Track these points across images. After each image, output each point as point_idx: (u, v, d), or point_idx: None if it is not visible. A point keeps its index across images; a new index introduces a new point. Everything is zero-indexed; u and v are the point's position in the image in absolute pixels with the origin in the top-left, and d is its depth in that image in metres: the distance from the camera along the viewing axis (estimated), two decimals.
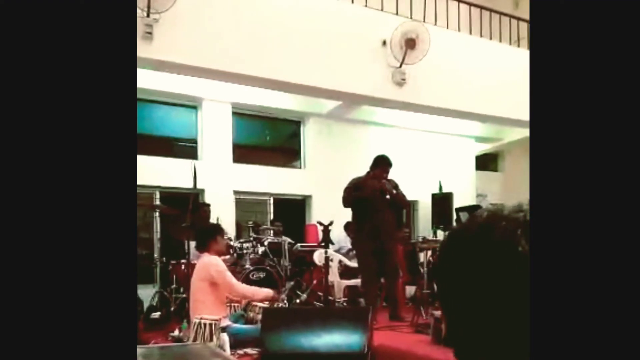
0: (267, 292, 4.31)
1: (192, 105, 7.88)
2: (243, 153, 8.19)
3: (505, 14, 7.70)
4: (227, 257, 5.60)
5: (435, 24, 6.76)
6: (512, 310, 0.58)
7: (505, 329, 0.58)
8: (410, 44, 6.09)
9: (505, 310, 0.58)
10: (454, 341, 0.64)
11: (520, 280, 0.57)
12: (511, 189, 9.88)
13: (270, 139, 8.84)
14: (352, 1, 6.39)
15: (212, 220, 6.26)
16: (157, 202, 7.33)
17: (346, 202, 5.32)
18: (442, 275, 0.66)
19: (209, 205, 6.73)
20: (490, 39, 7.36)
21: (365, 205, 5.19)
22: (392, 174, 5.42)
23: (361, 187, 5.23)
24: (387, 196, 5.18)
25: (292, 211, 8.53)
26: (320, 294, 5.62)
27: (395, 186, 5.31)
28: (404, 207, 5.41)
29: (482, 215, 0.64)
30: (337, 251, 6.73)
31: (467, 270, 0.62)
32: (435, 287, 5.44)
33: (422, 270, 5.58)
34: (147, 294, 5.92)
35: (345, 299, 6.17)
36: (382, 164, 5.26)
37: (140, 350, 2.77)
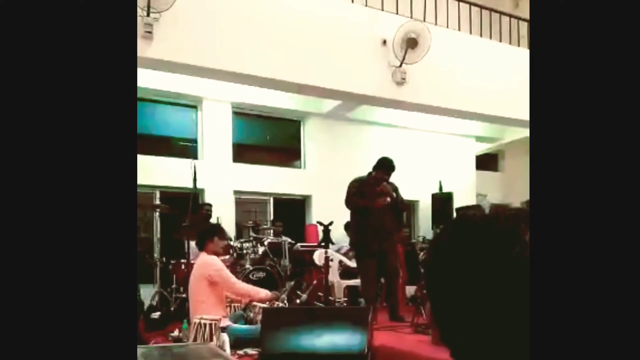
0: (267, 293, 4.30)
1: (192, 104, 7.88)
2: (243, 153, 8.19)
3: (506, 14, 7.69)
4: (227, 257, 5.60)
5: (436, 24, 6.76)
6: (505, 308, 0.57)
7: (498, 326, 0.58)
8: (411, 43, 6.07)
9: (497, 307, 0.57)
10: (450, 341, 0.64)
11: (511, 277, 0.57)
12: (511, 189, 9.88)
13: (270, 138, 8.84)
14: (352, 0, 6.38)
15: (213, 220, 6.26)
16: (157, 202, 7.33)
17: (348, 205, 5.32)
18: (432, 278, 0.66)
19: (210, 205, 6.72)
20: (491, 38, 7.35)
21: (364, 207, 5.18)
22: (393, 174, 5.41)
23: (364, 192, 5.22)
24: (388, 199, 5.17)
25: (292, 211, 8.53)
26: (320, 294, 5.62)
27: (395, 189, 5.30)
28: (402, 211, 5.40)
29: (470, 213, 0.65)
30: (337, 251, 6.72)
31: (457, 269, 0.61)
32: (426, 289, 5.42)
33: (422, 270, 5.57)
34: (147, 293, 5.92)
35: (346, 299, 6.16)
36: (385, 167, 5.25)
37: (140, 350, 2.77)
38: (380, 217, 5.15)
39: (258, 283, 5.24)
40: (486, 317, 0.58)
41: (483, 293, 0.58)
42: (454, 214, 7.53)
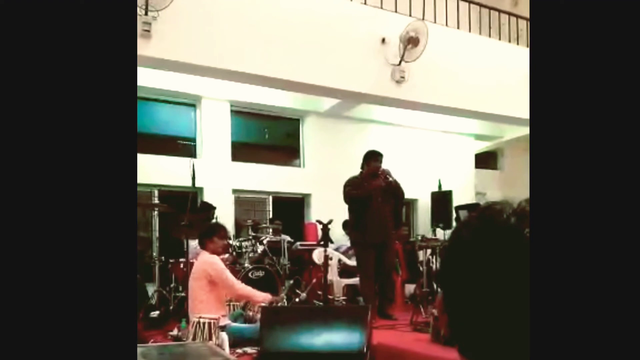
0: (265, 296, 4.30)
1: (190, 103, 7.87)
2: (242, 151, 8.18)
3: (505, 12, 7.69)
4: (226, 255, 5.60)
5: (435, 22, 6.75)
6: (517, 301, 0.57)
7: (511, 321, 0.58)
8: (412, 42, 6.07)
9: (509, 301, 0.57)
10: (459, 337, 0.63)
11: (523, 268, 0.57)
12: (510, 187, 9.88)
13: (269, 137, 8.83)
14: None
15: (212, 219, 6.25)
16: (156, 201, 7.32)
17: (346, 199, 5.34)
18: (447, 273, 0.66)
19: (214, 208, 6.71)
20: (490, 36, 7.35)
21: (362, 201, 5.21)
22: (392, 172, 5.42)
23: (359, 186, 5.25)
24: (390, 179, 5.22)
25: (291, 210, 8.52)
26: (319, 292, 5.62)
27: (389, 174, 5.35)
28: (401, 196, 5.47)
29: (482, 207, 0.64)
30: (337, 250, 6.73)
31: (470, 262, 0.61)
32: (435, 286, 5.44)
33: (421, 268, 5.58)
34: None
35: (345, 297, 6.17)
36: (373, 156, 5.30)
37: (139, 349, 2.77)
38: (377, 211, 5.18)
39: (257, 282, 5.24)
40: (504, 316, 0.58)
41: (504, 292, 0.58)
42: (453, 213, 7.53)
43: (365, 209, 5.21)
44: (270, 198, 8.38)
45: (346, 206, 5.51)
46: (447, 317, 0.65)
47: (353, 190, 5.27)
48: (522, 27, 7.61)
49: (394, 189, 5.30)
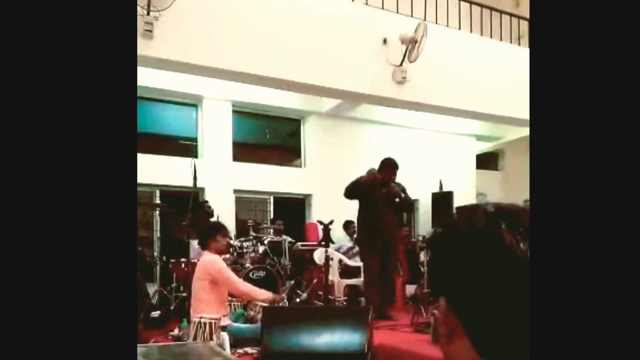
0: (268, 294, 4.29)
1: (192, 103, 7.88)
2: (243, 151, 8.19)
3: (506, 12, 7.68)
4: (228, 256, 5.60)
5: (436, 22, 6.75)
6: (506, 300, 0.58)
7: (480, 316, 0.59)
8: (413, 42, 6.06)
9: (475, 296, 0.59)
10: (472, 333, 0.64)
11: (473, 265, 0.59)
12: (511, 188, 9.87)
13: (270, 137, 8.83)
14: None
15: (213, 218, 6.26)
16: (157, 201, 7.32)
17: (347, 193, 5.34)
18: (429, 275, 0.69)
19: (207, 201, 6.72)
20: (491, 37, 7.34)
21: (369, 204, 5.22)
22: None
23: (356, 185, 5.28)
24: (397, 199, 5.24)
25: (293, 210, 8.53)
26: (320, 293, 5.62)
27: (403, 190, 5.37)
28: (409, 211, 5.56)
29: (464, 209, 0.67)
30: (338, 250, 6.73)
31: (440, 265, 0.65)
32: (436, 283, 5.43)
33: (422, 269, 5.58)
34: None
35: (346, 298, 6.17)
36: (389, 167, 5.31)
37: (140, 349, 2.77)
38: (384, 215, 5.20)
39: (258, 282, 5.23)
40: (477, 314, 0.60)
41: (469, 289, 0.60)
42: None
43: (370, 212, 5.23)
44: (272, 198, 8.38)
45: (347, 206, 5.51)
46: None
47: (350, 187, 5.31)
48: (523, 27, 7.60)
49: (402, 204, 5.35)
